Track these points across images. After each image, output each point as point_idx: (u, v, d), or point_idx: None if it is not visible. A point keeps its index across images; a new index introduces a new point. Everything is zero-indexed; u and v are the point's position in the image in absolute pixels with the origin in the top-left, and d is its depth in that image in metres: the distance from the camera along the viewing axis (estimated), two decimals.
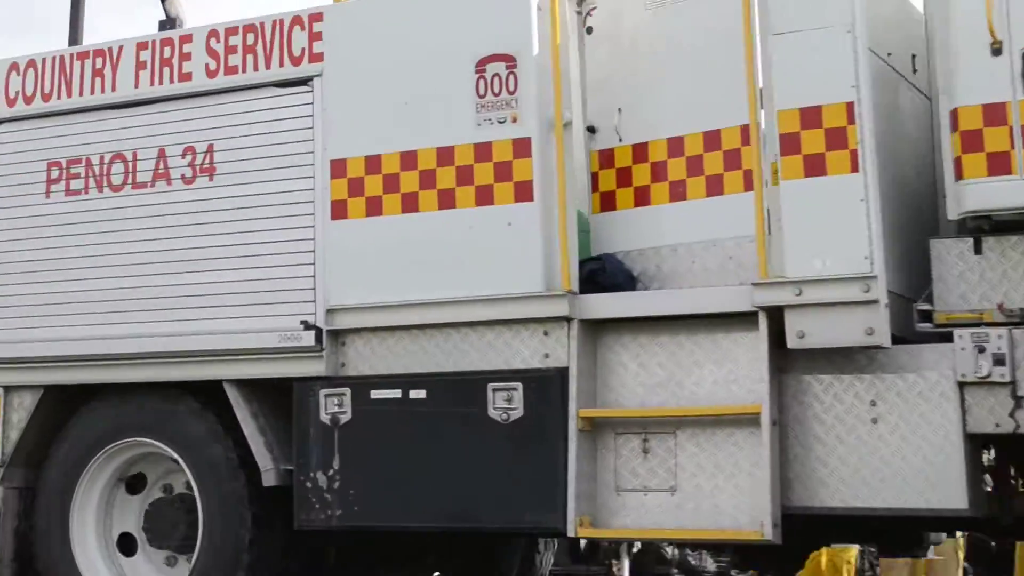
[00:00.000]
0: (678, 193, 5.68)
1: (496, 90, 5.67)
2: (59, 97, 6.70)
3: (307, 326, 5.90)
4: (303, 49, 6.10)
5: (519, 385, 5.50)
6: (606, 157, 5.99)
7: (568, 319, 5.46)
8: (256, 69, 6.19)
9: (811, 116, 5.08)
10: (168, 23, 6.87)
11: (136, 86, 6.50)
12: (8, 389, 6.67)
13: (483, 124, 5.67)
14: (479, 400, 5.55)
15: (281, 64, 6.14)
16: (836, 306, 4.99)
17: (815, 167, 5.06)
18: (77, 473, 6.48)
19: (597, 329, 5.52)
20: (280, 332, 5.96)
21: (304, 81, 6.08)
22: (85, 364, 6.42)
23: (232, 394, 6.08)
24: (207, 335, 6.12)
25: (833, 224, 5.01)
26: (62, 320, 6.52)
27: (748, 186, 5.32)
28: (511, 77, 5.63)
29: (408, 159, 5.82)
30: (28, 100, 6.79)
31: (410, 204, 5.80)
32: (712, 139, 5.59)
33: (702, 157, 5.62)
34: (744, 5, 5.33)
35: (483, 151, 5.67)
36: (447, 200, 5.72)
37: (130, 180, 6.45)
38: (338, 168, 5.95)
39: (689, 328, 5.38)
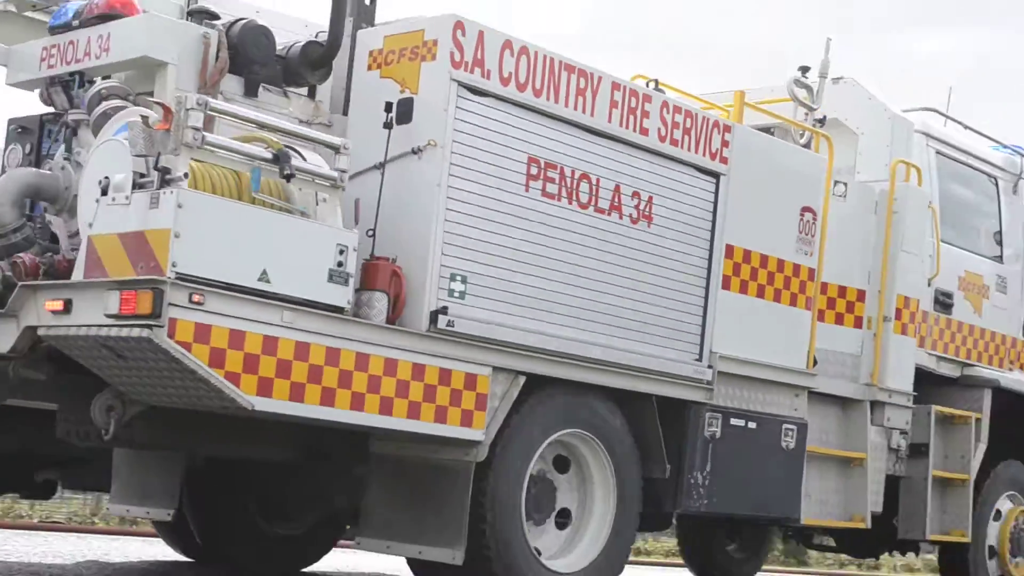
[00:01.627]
0: None
1: (806, 232, 8.49)
2: (548, 98, 7.02)
3: (707, 365, 7.81)
4: (716, 149, 7.91)
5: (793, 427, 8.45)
6: None
7: None
8: (688, 149, 7.74)
9: None
10: None
11: (608, 120, 7.32)
12: (496, 370, 6.70)
13: (798, 251, 8.44)
14: (776, 434, 8.32)
15: (703, 153, 7.83)
16: None
17: None
18: (531, 453, 6.96)
19: None
20: (692, 365, 7.74)
21: (714, 174, 7.91)
22: (561, 361, 7.01)
23: (650, 406, 7.55)
24: (641, 355, 7.47)
25: None
26: (538, 315, 6.96)
27: None
28: (814, 225, 8.54)
29: (763, 260, 8.21)
30: (520, 88, 6.90)
31: (759, 292, 8.19)
32: None
33: None
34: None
35: (796, 270, 8.44)
36: (779, 296, 8.31)
37: (593, 202, 7.27)
38: (728, 250, 7.98)
39: None
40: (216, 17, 6.93)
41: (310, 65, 7.03)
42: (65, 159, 6.61)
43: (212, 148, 5.80)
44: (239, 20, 6.90)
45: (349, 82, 7.23)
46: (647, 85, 7.89)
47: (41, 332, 5.99)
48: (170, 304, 5.49)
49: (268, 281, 5.83)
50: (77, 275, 5.94)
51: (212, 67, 6.61)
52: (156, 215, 5.60)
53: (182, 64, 6.58)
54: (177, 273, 5.53)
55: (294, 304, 5.90)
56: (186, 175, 5.65)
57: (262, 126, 6.12)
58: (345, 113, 7.22)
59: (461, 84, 6.65)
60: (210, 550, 8.44)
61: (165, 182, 5.64)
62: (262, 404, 5.82)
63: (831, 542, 11.01)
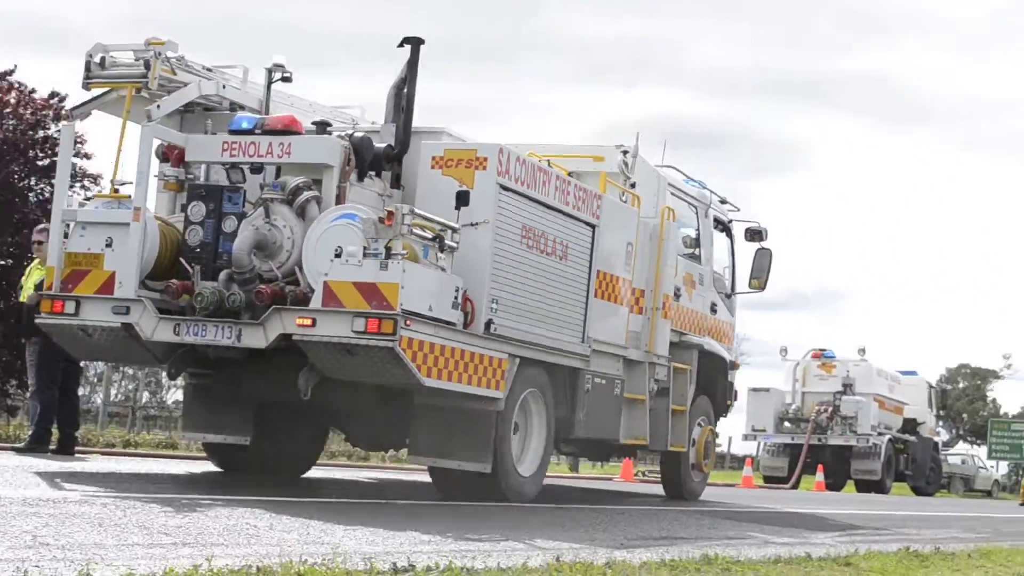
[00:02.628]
0: None
1: (628, 257, 13.41)
2: (531, 188, 11.51)
3: (588, 345, 12.60)
4: (595, 211, 12.61)
5: (620, 381, 13.43)
6: None
7: None
8: (583, 212, 12.41)
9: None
10: None
11: (555, 200, 11.88)
12: (510, 356, 11.17)
13: (624, 270, 13.36)
14: (613, 386, 13.28)
15: (589, 214, 12.51)
16: None
17: None
18: (515, 404, 11.52)
19: None
20: (579, 346, 12.49)
21: (592, 226, 12.61)
22: (534, 349, 11.60)
23: (562, 372, 12.28)
24: (561, 341, 12.15)
25: None
26: (526, 322, 11.50)
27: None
28: (631, 252, 13.47)
29: (612, 277, 13.07)
30: (522, 184, 11.36)
31: (608, 298, 13.05)
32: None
33: None
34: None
35: (624, 282, 13.35)
36: (616, 300, 13.20)
37: (548, 250, 11.84)
38: (598, 273, 12.74)
39: None
40: (329, 124, 11.01)
41: (387, 160, 11.20)
42: (265, 222, 10.46)
43: (406, 234, 9.99)
44: (354, 131, 10.99)
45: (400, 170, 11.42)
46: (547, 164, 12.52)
47: (295, 338, 9.97)
48: (400, 327, 9.71)
49: (431, 310, 10.13)
50: (315, 303, 9.97)
51: (347, 166, 10.70)
52: (387, 274, 9.76)
53: (335, 164, 10.64)
54: (402, 309, 9.75)
55: (439, 323, 10.23)
56: (403, 253, 9.84)
57: (427, 219, 10.31)
58: (394, 187, 11.43)
59: (500, 185, 11.08)
60: (268, 464, 12.36)
61: (392, 255, 9.80)
62: (428, 381, 10.14)
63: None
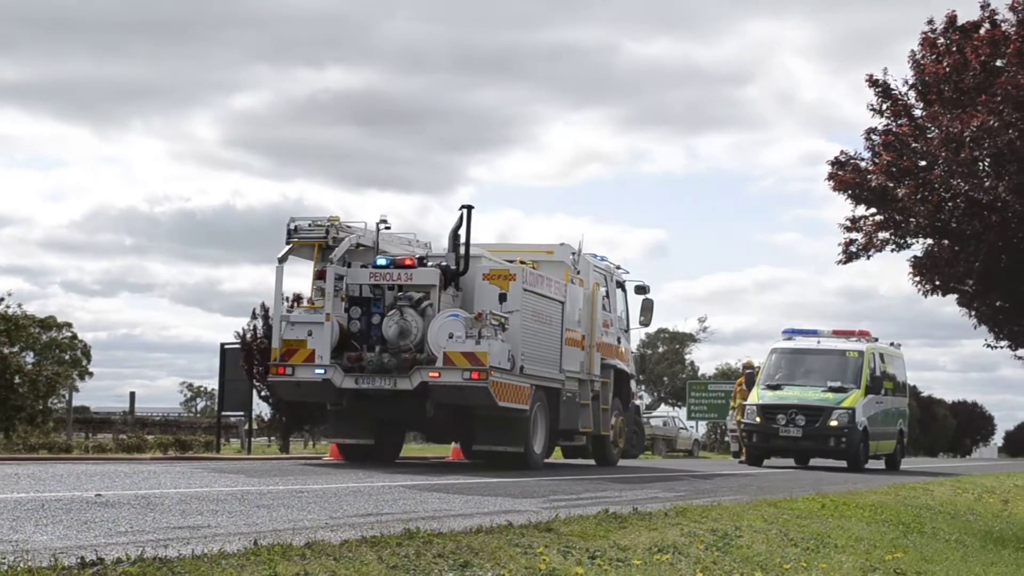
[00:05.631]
0: None
1: (580, 319, 22.01)
2: (533, 287, 19.99)
3: (563, 375, 21.12)
4: (563, 293, 21.14)
5: (577, 393, 22.03)
6: None
7: None
8: (557, 296, 20.94)
9: None
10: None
11: (552, 292, 20.38)
12: (532, 386, 19.63)
13: (579, 326, 21.95)
14: (577, 397, 21.85)
15: (560, 296, 21.04)
16: None
17: None
18: (532, 411, 20.00)
19: None
20: (558, 375, 21.01)
21: (561, 302, 21.14)
22: (542, 379, 20.09)
23: (554, 392, 20.81)
24: (551, 372, 20.66)
25: None
26: (536, 365, 20.00)
27: None
28: (583, 315, 22.08)
29: (574, 333, 21.64)
30: (532, 285, 19.86)
31: (572, 344, 21.63)
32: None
33: None
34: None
35: (582, 335, 21.92)
36: (576, 344, 21.78)
37: (544, 321, 20.31)
38: (565, 330, 21.26)
39: None
40: (426, 259, 19.38)
41: (456, 277, 19.50)
42: (403, 318, 18.67)
43: (487, 324, 18.35)
44: (441, 262, 19.29)
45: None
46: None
47: (429, 383, 18.20)
48: (490, 376, 18.10)
49: (500, 364, 18.53)
50: (439, 364, 18.26)
51: (440, 283, 19.00)
52: (479, 347, 18.13)
53: (436, 283, 18.91)
54: (490, 366, 18.13)
55: (503, 371, 18.62)
56: (488, 335, 18.21)
57: (495, 315, 18.68)
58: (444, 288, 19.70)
59: (525, 289, 19.53)
60: (382, 455, 20.51)
61: (481, 336, 18.16)
62: (500, 403, 18.55)
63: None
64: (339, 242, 18.99)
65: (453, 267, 19.41)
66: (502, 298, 19.18)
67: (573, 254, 22.55)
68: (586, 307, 22.88)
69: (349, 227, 19.39)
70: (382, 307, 19.01)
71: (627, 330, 26.06)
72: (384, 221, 19.95)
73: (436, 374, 18.31)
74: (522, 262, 20.54)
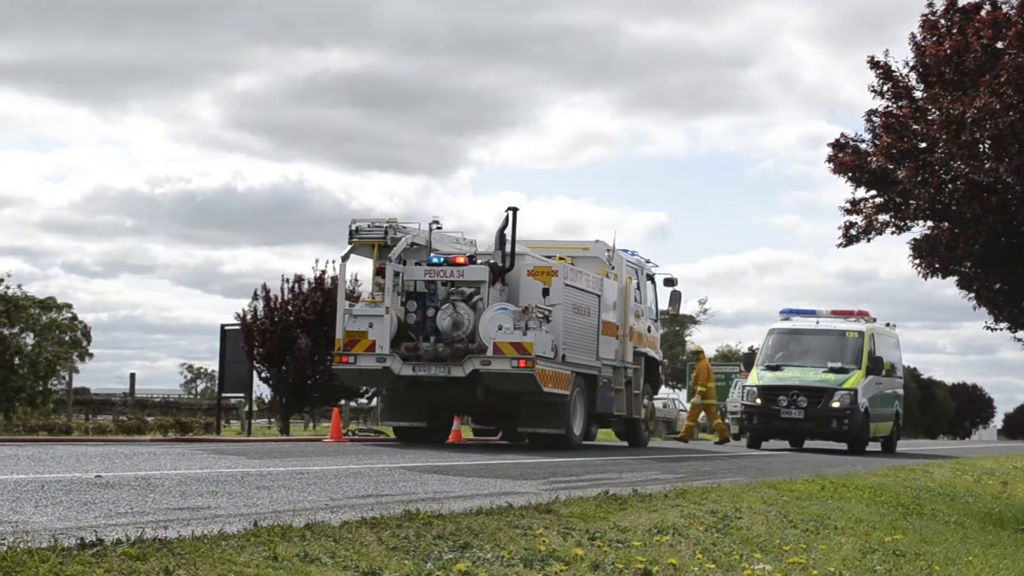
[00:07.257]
0: None
1: (617, 309, 23.79)
2: (573, 284, 21.77)
3: (599, 362, 22.90)
4: (599, 287, 22.91)
5: (618, 377, 23.81)
6: None
7: None
8: (594, 289, 22.71)
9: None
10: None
11: (589, 286, 22.14)
12: (572, 373, 21.42)
13: (614, 316, 23.74)
14: (613, 383, 23.62)
15: (596, 290, 22.82)
16: None
17: None
18: (573, 395, 21.79)
19: None
20: (595, 362, 22.78)
21: (597, 295, 22.92)
22: (580, 365, 21.88)
23: (592, 377, 22.60)
24: (589, 359, 22.44)
25: None
26: (577, 353, 21.80)
27: None
28: (620, 307, 23.84)
29: (609, 322, 23.41)
30: (571, 282, 21.63)
31: (608, 333, 23.41)
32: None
33: None
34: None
35: (615, 324, 23.69)
36: (612, 333, 23.57)
37: (583, 312, 22.09)
38: (603, 321, 23.04)
39: None
40: (475, 257, 21.15)
41: (503, 272, 21.27)
42: (455, 311, 20.44)
43: (533, 315, 20.13)
44: (489, 259, 21.06)
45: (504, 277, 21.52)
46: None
47: (481, 371, 19.98)
48: (536, 364, 19.88)
49: (544, 353, 20.29)
50: (489, 353, 20.04)
51: (489, 279, 20.77)
52: (526, 337, 19.91)
53: (486, 279, 20.69)
54: (536, 355, 19.91)
55: (548, 359, 20.39)
56: (534, 327, 20.00)
57: (540, 308, 20.45)
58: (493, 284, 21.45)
59: (565, 284, 21.30)
60: (433, 436, 22.30)
61: (528, 328, 19.94)
62: (546, 389, 20.33)
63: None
64: (396, 241, 20.74)
65: (500, 264, 21.14)
66: (545, 292, 20.92)
67: (608, 250, 24.30)
68: (620, 299, 24.60)
69: (405, 227, 21.15)
70: (436, 301, 20.76)
71: (656, 319, 27.80)
72: (436, 222, 21.72)
73: (487, 362, 20.08)
74: (561, 258, 22.28)
